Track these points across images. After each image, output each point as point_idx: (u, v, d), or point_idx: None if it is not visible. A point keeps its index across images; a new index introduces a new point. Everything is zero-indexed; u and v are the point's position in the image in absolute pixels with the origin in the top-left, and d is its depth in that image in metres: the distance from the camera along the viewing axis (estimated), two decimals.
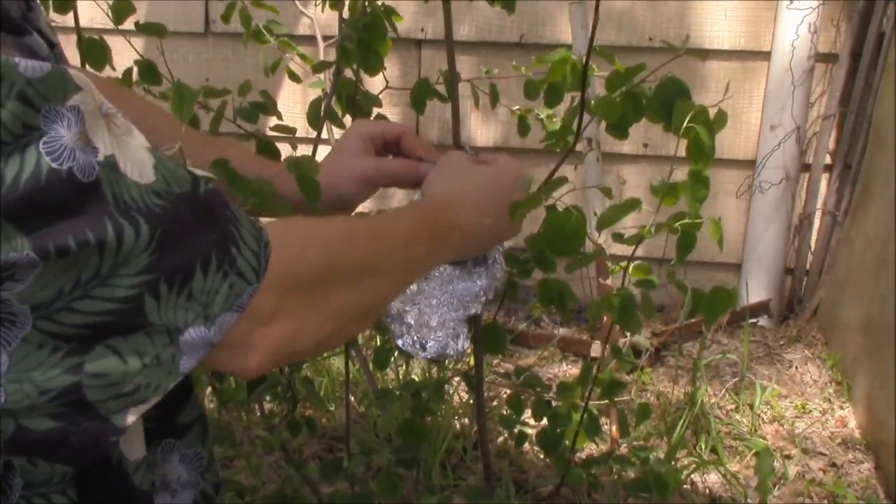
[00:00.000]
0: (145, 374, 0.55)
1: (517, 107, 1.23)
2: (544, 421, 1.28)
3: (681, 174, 0.91)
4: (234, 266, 0.58)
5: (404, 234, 0.79)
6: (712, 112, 0.85)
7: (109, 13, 1.18)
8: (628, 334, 2.54)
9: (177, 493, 0.75)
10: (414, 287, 0.98)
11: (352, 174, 0.98)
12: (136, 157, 0.55)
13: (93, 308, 0.52)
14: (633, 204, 0.93)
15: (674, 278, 0.96)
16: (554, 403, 1.28)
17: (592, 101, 0.96)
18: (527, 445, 2.07)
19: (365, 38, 1.10)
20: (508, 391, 2.24)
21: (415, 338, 0.97)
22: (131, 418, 0.57)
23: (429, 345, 0.97)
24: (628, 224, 0.99)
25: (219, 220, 0.58)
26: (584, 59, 0.92)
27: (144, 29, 1.20)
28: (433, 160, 0.99)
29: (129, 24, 1.20)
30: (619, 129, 0.93)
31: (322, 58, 1.29)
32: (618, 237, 0.97)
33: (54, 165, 0.49)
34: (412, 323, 0.97)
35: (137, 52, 1.30)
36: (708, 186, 0.86)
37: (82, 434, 0.55)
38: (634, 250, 0.99)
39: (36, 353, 0.52)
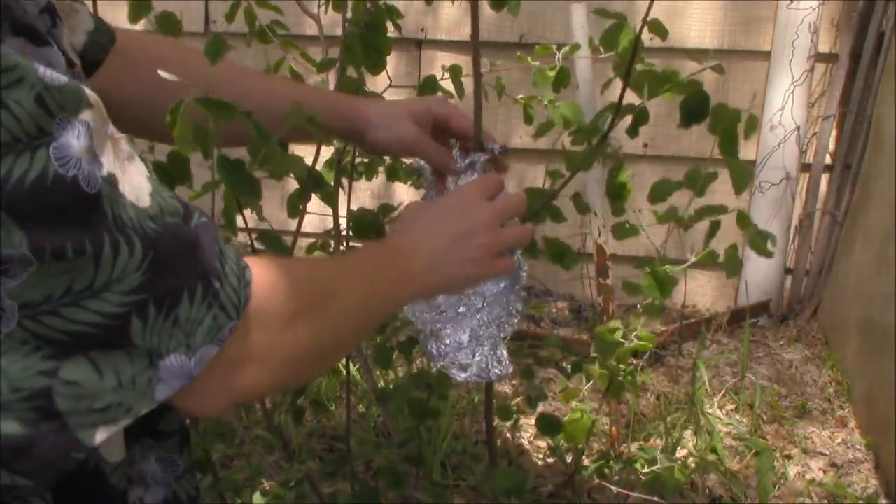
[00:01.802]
0: (119, 393, 0.56)
1: (521, 95, 1.24)
2: (541, 407, 1.29)
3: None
4: (217, 299, 0.59)
5: (365, 272, 0.79)
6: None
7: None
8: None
9: (150, 488, 0.76)
10: (441, 298, 0.97)
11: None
12: (134, 183, 0.56)
13: (80, 318, 0.52)
14: (678, 184, 1.01)
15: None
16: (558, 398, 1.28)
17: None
18: (527, 446, 2.07)
19: (368, 37, 1.10)
20: (509, 391, 2.25)
21: (454, 359, 0.96)
22: (99, 437, 0.56)
23: (469, 366, 0.96)
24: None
25: (205, 254, 0.59)
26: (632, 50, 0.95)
27: (159, 25, 1.21)
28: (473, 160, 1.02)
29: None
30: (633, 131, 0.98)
31: (325, 57, 1.29)
32: (656, 215, 1.04)
33: (60, 171, 0.50)
34: (448, 342, 0.96)
35: None
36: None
37: (47, 446, 0.55)
38: (669, 232, 1.04)
39: (17, 350, 0.52)
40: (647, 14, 0.93)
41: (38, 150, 0.50)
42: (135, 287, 0.54)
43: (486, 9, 1.09)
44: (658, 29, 0.99)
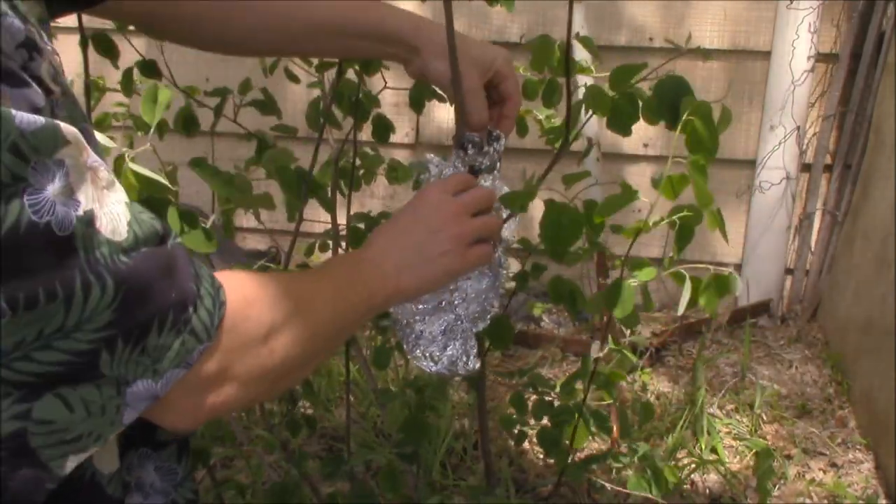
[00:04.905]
0: (89, 423, 0.57)
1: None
2: (544, 420, 1.28)
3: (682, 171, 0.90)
4: (188, 325, 0.59)
5: (338, 283, 0.79)
6: (717, 111, 0.84)
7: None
8: (627, 333, 2.54)
9: (150, 496, 0.76)
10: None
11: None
12: (112, 213, 0.57)
13: (50, 359, 0.53)
14: (631, 195, 0.92)
15: (673, 270, 0.95)
16: (556, 403, 1.28)
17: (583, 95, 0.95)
18: (527, 445, 2.07)
19: None
20: (510, 390, 2.25)
21: (425, 351, 0.97)
22: (70, 465, 0.58)
23: (439, 360, 0.97)
24: (630, 222, 0.98)
25: (180, 278, 0.60)
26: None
27: None
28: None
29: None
30: (620, 126, 0.92)
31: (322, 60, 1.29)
32: (616, 228, 0.96)
33: (34, 219, 0.51)
34: (421, 333, 0.97)
35: (138, 52, 1.30)
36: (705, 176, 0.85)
37: (20, 480, 0.56)
38: (632, 243, 0.98)
39: None
40: (569, 19, 0.91)
41: (13, 199, 0.50)
42: (105, 324, 0.54)
43: (484, 8, 1.08)
44: (587, 46, 0.95)
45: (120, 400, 0.58)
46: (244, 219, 2.75)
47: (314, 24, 0.95)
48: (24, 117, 0.51)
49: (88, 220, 0.54)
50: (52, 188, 0.52)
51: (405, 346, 0.98)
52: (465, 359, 0.97)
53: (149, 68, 1.26)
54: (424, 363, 0.97)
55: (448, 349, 0.97)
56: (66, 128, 0.54)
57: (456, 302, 0.97)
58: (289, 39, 0.96)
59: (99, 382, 0.56)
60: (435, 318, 0.97)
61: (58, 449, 0.56)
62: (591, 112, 0.97)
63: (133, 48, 1.31)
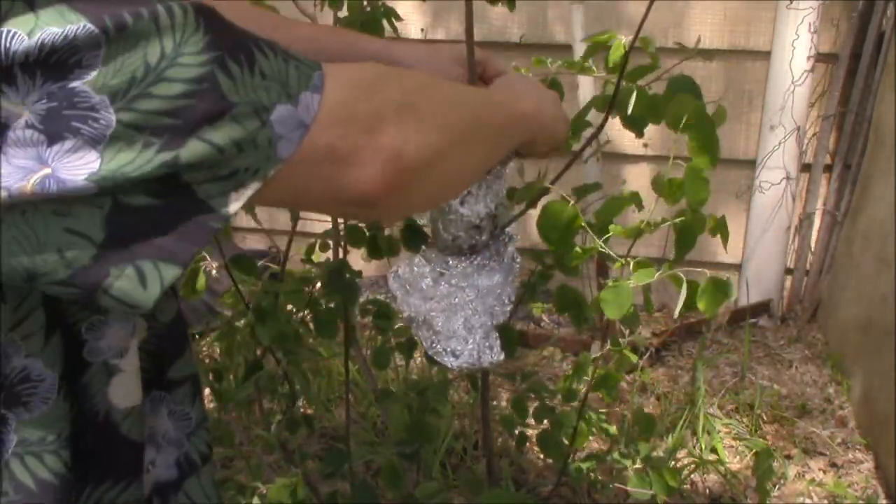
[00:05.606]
0: (242, 158, 0.55)
1: None
2: (545, 422, 1.28)
3: (682, 172, 0.91)
4: (290, 55, 0.58)
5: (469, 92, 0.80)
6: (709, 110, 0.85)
7: None
8: (627, 333, 2.54)
9: (161, 449, 0.74)
10: (429, 282, 0.97)
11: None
12: None
13: (170, 91, 0.51)
14: (633, 198, 0.92)
15: (672, 274, 0.95)
16: (557, 409, 1.28)
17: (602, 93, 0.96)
18: (527, 445, 2.07)
19: None
20: (509, 391, 2.25)
21: (445, 346, 0.96)
22: (234, 206, 0.56)
23: (461, 354, 0.96)
24: (629, 222, 0.99)
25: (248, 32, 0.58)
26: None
27: None
28: None
29: None
30: (638, 125, 0.93)
31: None
32: (616, 229, 0.97)
33: None
34: (440, 330, 0.96)
35: None
36: (706, 186, 0.86)
37: (179, 212, 0.54)
38: (633, 244, 0.98)
39: (128, 151, 0.51)
40: (638, 28, 0.91)
41: None
42: (204, 45, 0.53)
43: (485, 7, 1.08)
44: (645, 44, 0.97)
45: (269, 131, 0.55)
46: (243, 219, 2.75)
47: None
48: None
49: None
50: None
51: (424, 344, 0.97)
52: (489, 352, 0.97)
53: None
54: (446, 359, 0.96)
55: (469, 343, 0.97)
56: None
57: (469, 297, 0.97)
58: None
59: (234, 113, 0.54)
60: (450, 313, 0.97)
61: (214, 185, 0.54)
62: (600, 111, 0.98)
63: None
